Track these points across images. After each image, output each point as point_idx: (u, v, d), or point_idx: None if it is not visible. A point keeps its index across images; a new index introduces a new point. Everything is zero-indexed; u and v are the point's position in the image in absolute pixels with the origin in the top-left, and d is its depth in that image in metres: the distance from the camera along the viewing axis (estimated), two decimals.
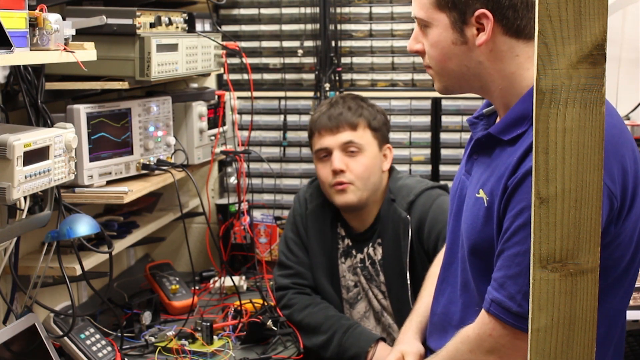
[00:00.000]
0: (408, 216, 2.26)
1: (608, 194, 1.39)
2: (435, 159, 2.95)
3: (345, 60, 2.97)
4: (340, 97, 2.42)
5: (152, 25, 2.20)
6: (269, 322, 2.25)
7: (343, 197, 2.31)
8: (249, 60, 2.89)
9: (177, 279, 2.61)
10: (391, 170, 2.42)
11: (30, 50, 1.65)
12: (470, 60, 1.55)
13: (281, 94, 3.01)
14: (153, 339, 2.22)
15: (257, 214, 3.00)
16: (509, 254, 1.47)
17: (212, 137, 2.65)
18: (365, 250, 2.39)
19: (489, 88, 1.58)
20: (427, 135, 2.95)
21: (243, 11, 3.02)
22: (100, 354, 2.07)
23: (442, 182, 2.48)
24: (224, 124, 2.71)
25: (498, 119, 1.65)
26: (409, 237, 2.25)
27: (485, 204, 1.55)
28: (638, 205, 1.47)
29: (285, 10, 2.99)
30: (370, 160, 2.32)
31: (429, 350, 1.81)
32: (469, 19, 1.52)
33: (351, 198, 2.31)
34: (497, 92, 1.58)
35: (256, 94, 2.96)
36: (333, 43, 2.94)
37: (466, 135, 2.90)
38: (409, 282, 2.25)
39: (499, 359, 1.52)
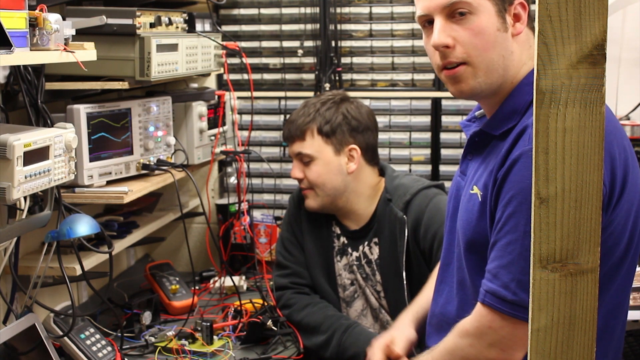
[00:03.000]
0: (404, 216, 2.26)
1: None
2: (435, 159, 2.95)
3: (345, 60, 2.97)
4: (311, 99, 2.41)
5: (152, 25, 2.20)
6: (269, 322, 2.25)
7: (306, 202, 2.38)
8: (249, 60, 2.89)
9: (177, 279, 2.61)
10: (385, 168, 2.41)
11: (30, 50, 1.65)
12: (506, 50, 1.55)
13: (281, 94, 3.01)
14: (153, 339, 2.22)
15: (257, 214, 3.00)
16: (501, 244, 1.48)
17: (212, 137, 2.65)
18: (361, 248, 2.39)
19: (504, 85, 1.58)
20: (427, 135, 2.95)
21: (243, 11, 3.03)
22: (100, 354, 2.07)
23: (438, 181, 2.48)
24: (224, 124, 2.71)
25: (488, 116, 1.66)
26: (406, 237, 2.25)
27: (480, 199, 1.56)
28: (629, 194, 1.47)
29: (285, 10, 2.99)
30: (322, 167, 2.33)
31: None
32: (509, 7, 1.54)
33: (311, 204, 2.37)
34: (507, 88, 1.58)
35: (256, 94, 2.96)
36: (333, 43, 2.94)
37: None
38: (405, 282, 2.25)
39: (501, 351, 1.51)
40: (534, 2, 1.67)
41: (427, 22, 1.60)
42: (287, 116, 2.99)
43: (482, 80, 1.56)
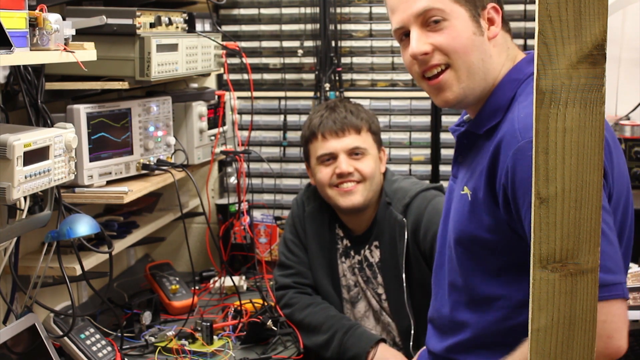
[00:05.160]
0: (404, 219, 2.27)
1: None
2: (435, 159, 2.95)
3: (345, 60, 2.97)
4: (339, 101, 2.43)
5: (152, 25, 2.20)
6: (269, 322, 2.25)
7: (349, 198, 2.31)
8: (249, 60, 2.89)
9: (177, 279, 2.61)
10: (385, 171, 2.42)
11: (30, 50, 1.65)
12: (485, 53, 1.56)
13: (281, 94, 3.01)
14: (153, 339, 2.22)
15: (257, 214, 3.00)
16: None
17: (212, 137, 2.65)
18: (362, 252, 2.39)
19: (487, 87, 1.58)
20: (427, 135, 2.95)
21: (243, 11, 3.02)
22: (100, 354, 2.07)
23: (438, 183, 2.48)
24: (224, 124, 2.71)
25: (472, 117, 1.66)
26: (405, 240, 2.26)
27: (469, 199, 1.56)
28: (617, 190, 1.47)
29: (285, 10, 2.99)
30: (373, 162, 2.34)
31: (429, 354, 1.80)
32: (482, 12, 1.56)
33: (358, 199, 2.31)
34: (487, 89, 1.58)
35: (256, 94, 2.96)
36: (333, 43, 2.94)
37: None
38: (404, 284, 2.25)
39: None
40: (527, 3, 1.65)
41: (404, 34, 1.62)
42: (287, 116, 3.00)
43: (465, 85, 1.56)
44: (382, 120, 2.88)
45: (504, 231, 1.50)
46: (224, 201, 2.97)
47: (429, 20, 1.56)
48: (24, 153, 1.64)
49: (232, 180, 3.03)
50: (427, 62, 1.57)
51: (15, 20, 1.58)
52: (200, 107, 2.57)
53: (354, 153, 2.32)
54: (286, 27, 3.00)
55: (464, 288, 1.62)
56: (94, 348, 2.07)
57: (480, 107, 1.60)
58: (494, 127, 1.55)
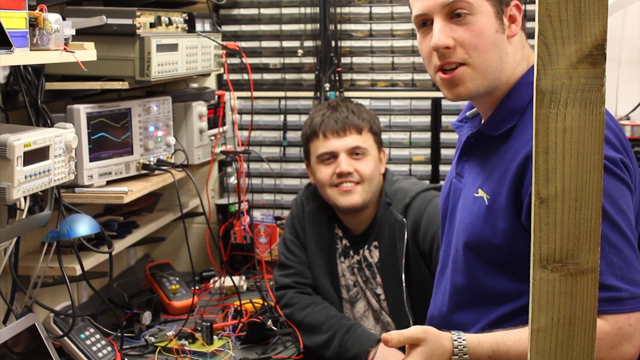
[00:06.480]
0: (404, 219, 2.27)
1: None
2: (435, 159, 2.95)
3: (345, 60, 2.97)
4: (341, 101, 2.44)
5: (152, 25, 2.20)
6: (269, 322, 2.25)
7: (348, 198, 2.32)
8: (249, 60, 2.89)
9: (177, 279, 2.61)
10: (385, 172, 2.42)
11: (30, 50, 1.65)
12: (503, 52, 1.55)
13: (281, 94, 3.01)
14: (153, 339, 2.22)
15: (257, 214, 3.00)
16: None
17: (212, 137, 2.65)
18: (361, 252, 2.39)
19: (499, 86, 1.57)
20: (427, 135, 2.95)
21: (243, 11, 3.02)
22: (100, 354, 2.07)
23: (437, 184, 2.47)
24: (224, 124, 2.71)
25: (483, 119, 1.65)
26: (405, 240, 2.26)
27: (486, 202, 1.55)
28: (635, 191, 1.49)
29: (285, 10, 2.99)
30: (373, 163, 2.34)
31: None
32: (505, 9, 1.54)
33: (356, 199, 2.31)
34: (502, 89, 1.57)
35: (256, 94, 2.96)
36: (333, 43, 2.94)
37: None
38: (404, 284, 2.25)
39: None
40: (527, 3, 1.67)
41: (424, 22, 1.59)
42: (287, 116, 3.00)
43: (479, 82, 1.55)
44: (382, 120, 2.88)
45: (517, 237, 1.50)
46: (224, 201, 2.97)
47: (454, 12, 1.53)
48: (24, 153, 1.63)
49: (232, 180, 3.03)
50: (446, 57, 1.55)
51: (15, 20, 1.58)
52: (200, 107, 2.57)
53: (355, 153, 2.32)
54: (286, 27, 2.99)
55: (468, 290, 1.62)
56: (94, 348, 2.07)
57: (494, 107, 1.59)
58: (509, 129, 1.54)
